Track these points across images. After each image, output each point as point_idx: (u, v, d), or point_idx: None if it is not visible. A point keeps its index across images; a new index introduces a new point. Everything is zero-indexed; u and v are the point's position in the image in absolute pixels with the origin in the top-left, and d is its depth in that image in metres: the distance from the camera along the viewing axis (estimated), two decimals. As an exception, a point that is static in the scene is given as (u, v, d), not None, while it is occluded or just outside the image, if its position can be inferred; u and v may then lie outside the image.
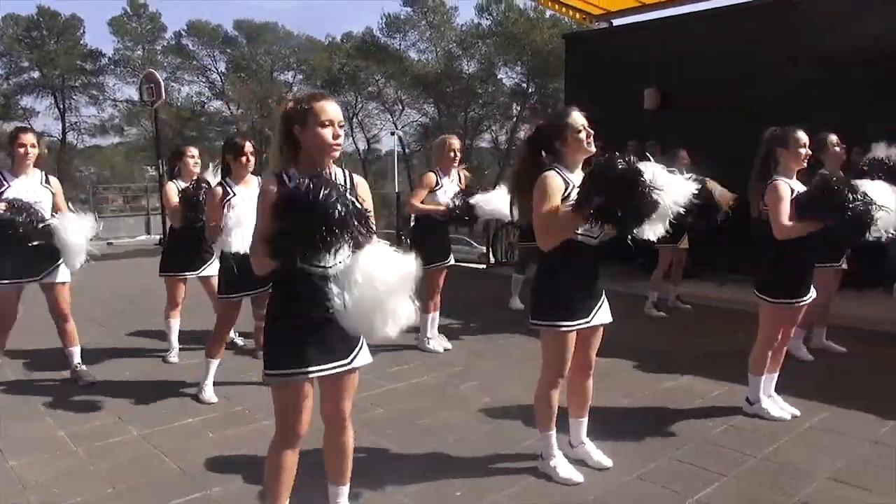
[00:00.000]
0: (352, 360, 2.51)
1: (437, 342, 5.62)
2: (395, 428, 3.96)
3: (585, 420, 3.43)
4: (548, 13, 31.56)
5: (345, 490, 2.72)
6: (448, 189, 5.35)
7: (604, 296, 3.23)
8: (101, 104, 39.56)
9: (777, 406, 4.05)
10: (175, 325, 5.30)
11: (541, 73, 34.00)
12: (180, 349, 5.35)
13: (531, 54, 33.77)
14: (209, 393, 4.38)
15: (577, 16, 11.31)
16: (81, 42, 38.53)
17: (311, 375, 2.42)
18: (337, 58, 38.14)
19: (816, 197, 3.63)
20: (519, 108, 37.05)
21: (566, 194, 2.97)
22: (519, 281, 7.26)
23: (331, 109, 2.38)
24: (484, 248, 11.31)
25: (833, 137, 4.84)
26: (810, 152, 3.85)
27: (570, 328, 3.09)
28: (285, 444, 2.49)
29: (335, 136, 2.38)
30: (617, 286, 7.73)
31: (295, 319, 2.40)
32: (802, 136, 3.79)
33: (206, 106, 40.55)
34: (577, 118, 3.04)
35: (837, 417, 4.05)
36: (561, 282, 3.09)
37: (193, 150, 5.28)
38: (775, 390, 4.16)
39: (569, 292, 3.08)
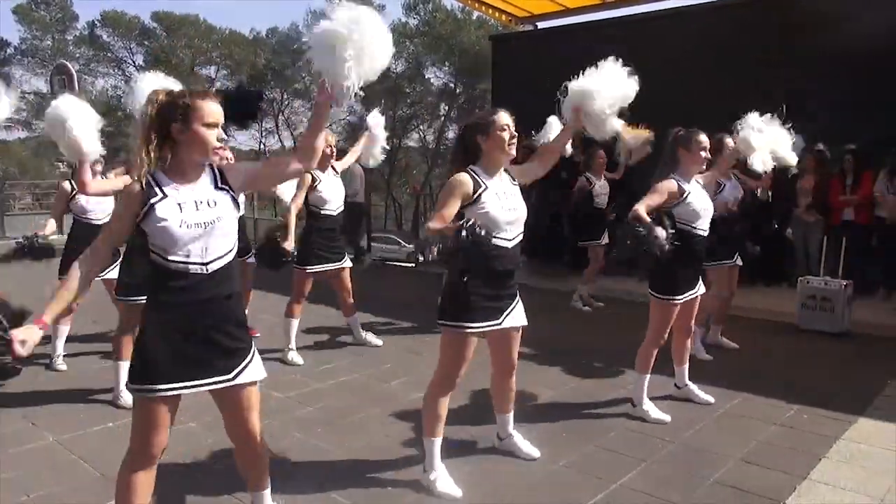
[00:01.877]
0: (235, 376, 2.35)
1: (295, 354, 5.17)
2: (324, 426, 3.94)
3: (511, 414, 3.51)
4: (475, 14, 31.89)
5: (266, 494, 2.67)
6: (326, 184, 5.12)
7: (517, 298, 3.18)
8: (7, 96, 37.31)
9: (656, 408, 4.05)
10: (64, 330, 5.09)
11: (468, 74, 34.23)
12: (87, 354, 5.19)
13: (459, 55, 33.98)
14: (126, 397, 4.23)
15: (503, 17, 11.49)
16: (-16, 30, 36.24)
17: (163, 394, 2.26)
18: (263, 53, 37.32)
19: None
20: (447, 108, 37.22)
21: (476, 195, 2.94)
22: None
23: (214, 110, 2.26)
24: (412, 247, 11.30)
25: (702, 137, 4.89)
26: (709, 156, 4.01)
27: (473, 330, 3.00)
28: (135, 463, 2.35)
29: (219, 139, 2.28)
30: (544, 283, 7.96)
31: (163, 331, 2.27)
32: (703, 138, 3.95)
33: (122, 100, 38.91)
34: (503, 117, 3.06)
35: (748, 403, 4.30)
36: (468, 283, 2.94)
37: None
38: (691, 379, 4.38)
39: (475, 294, 2.97)
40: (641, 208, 3.71)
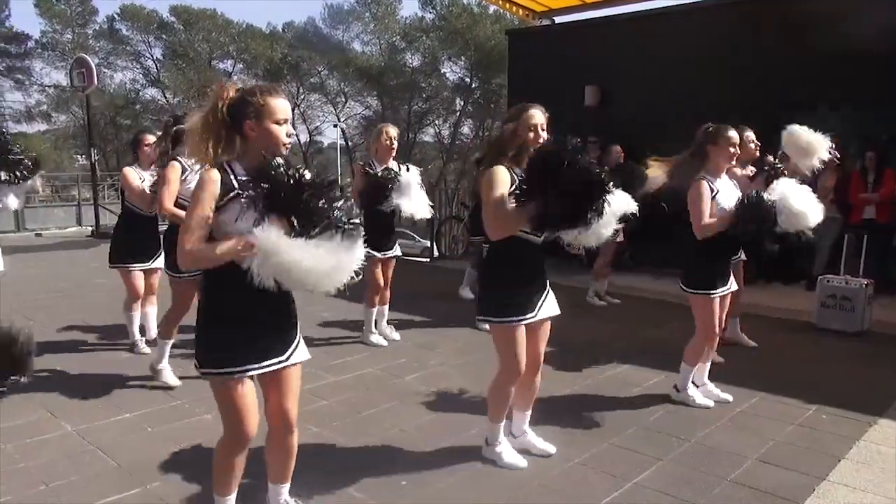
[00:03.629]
0: (289, 357, 2.46)
1: (379, 336, 5.61)
2: (340, 419, 3.95)
3: (529, 412, 3.51)
4: (491, 8, 31.78)
5: (286, 487, 2.70)
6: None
7: (549, 288, 3.29)
8: (28, 89, 37.68)
9: (701, 394, 4.20)
10: (136, 317, 5.21)
11: (484, 69, 34.14)
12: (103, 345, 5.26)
13: (474, 49, 33.88)
14: (168, 374, 4.46)
15: (520, 12, 11.43)
16: (6, 24, 36.62)
17: (248, 374, 2.36)
18: (279, 47, 37.43)
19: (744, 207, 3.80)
20: (462, 103, 37.15)
21: (513, 189, 3.00)
22: (473, 274, 7.35)
23: (285, 108, 2.37)
24: (428, 242, 11.31)
25: (749, 133, 4.94)
26: (738, 152, 3.99)
27: (518, 322, 3.12)
28: (232, 444, 2.44)
29: (288, 135, 2.37)
30: (561, 280, 7.92)
31: (228, 316, 2.35)
32: (734, 134, 3.93)
33: (140, 93, 39.16)
34: (534, 115, 3.09)
35: (765, 403, 4.26)
36: (507, 278, 3.13)
37: (151, 137, 5.09)
38: (709, 378, 4.35)
39: (515, 288, 3.13)
40: (708, 220, 3.84)
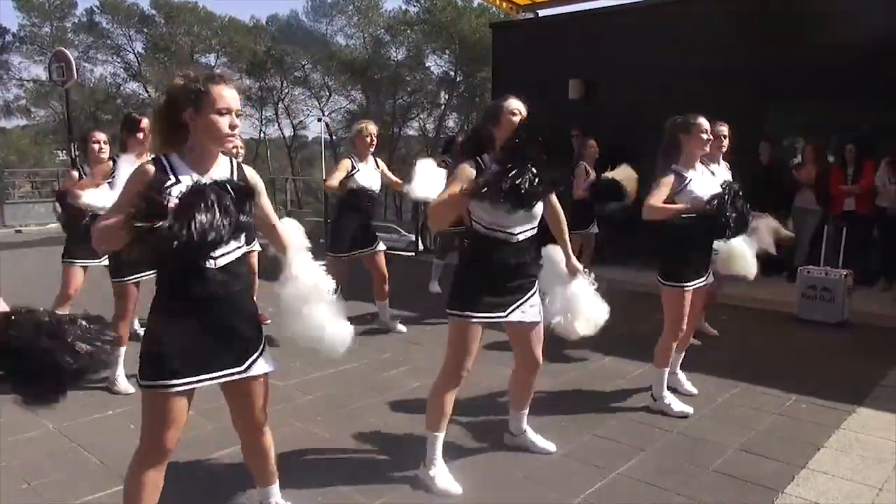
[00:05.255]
0: (247, 368, 2.32)
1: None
2: (324, 415, 3.95)
3: (527, 411, 3.46)
4: (475, 2, 31.74)
5: (275, 489, 2.67)
6: (365, 173, 5.41)
7: (533, 293, 3.14)
8: (6, 84, 37.14)
9: (678, 401, 4.06)
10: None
11: (468, 62, 34.11)
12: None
13: (459, 43, 33.83)
14: (123, 384, 4.28)
15: (504, 5, 11.41)
16: (-18, 17, 36.03)
17: (178, 389, 2.20)
18: (262, 41, 37.15)
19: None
20: (447, 97, 37.10)
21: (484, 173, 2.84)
22: (439, 266, 7.38)
23: (229, 96, 2.17)
24: (413, 237, 11.30)
25: (702, 122, 4.79)
26: (712, 137, 3.95)
27: (477, 320, 2.98)
28: (148, 461, 2.28)
29: (232, 127, 2.19)
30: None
31: (174, 326, 2.20)
32: (703, 121, 3.87)
33: (121, 87, 38.72)
34: (514, 102, 2.98)
35: (747, 393, 4.31)
36: (472, 274, 3.01)
37: (99, 135, 5.01)
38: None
39: (478, 285, 2.98)
40: (655, 202, 3.75)
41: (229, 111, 2.18)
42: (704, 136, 3.85)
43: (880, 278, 7.34)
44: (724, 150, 4.59)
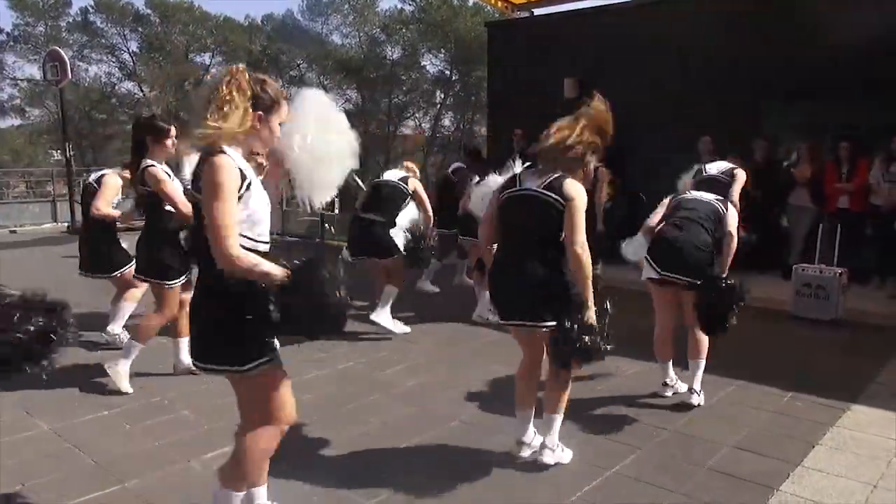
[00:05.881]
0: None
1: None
2: (321, 413, 3.94)
3: (532, 411, 3.40)
4: (470, 1, 31.70)
5: (261, 491, 2.60)
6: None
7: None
8: (0, 83, 37.01)
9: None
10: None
11: (464, 61, 34.08)
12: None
13: (454, 42, 33.79)
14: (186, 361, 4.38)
15: (500, 4, 11.41)
16: (-25, 17, 35.85)
17: (278, 361, 2.37)
18: (258, 40, 37.06)
19: None
20: (442, 96, 37.06)
21: None
22: (437, 266, 7.37)
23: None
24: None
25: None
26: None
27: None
28: (274, 433, 2.43)
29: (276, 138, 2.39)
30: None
31: (255, 309, 2.20)
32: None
33: (116, 87, 38.58)
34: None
35: (742, 391, 4.33)
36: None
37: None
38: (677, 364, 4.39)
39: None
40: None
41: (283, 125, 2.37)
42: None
43: (874, 276, 7.36)
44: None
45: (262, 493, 2.59)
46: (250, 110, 2.23)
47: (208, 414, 3.80)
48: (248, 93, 2.23)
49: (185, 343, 4.36)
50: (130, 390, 4.20)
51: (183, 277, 4.32)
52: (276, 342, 2.35)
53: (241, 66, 2.31)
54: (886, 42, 7.22)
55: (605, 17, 10.05)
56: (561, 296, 3.00)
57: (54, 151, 34.46)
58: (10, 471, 3.20)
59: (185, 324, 4.29)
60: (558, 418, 3.24)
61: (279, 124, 2.34)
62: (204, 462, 3.28)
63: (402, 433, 3.65)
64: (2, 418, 3.83)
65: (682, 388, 4.24)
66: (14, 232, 13.18)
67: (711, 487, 3.09)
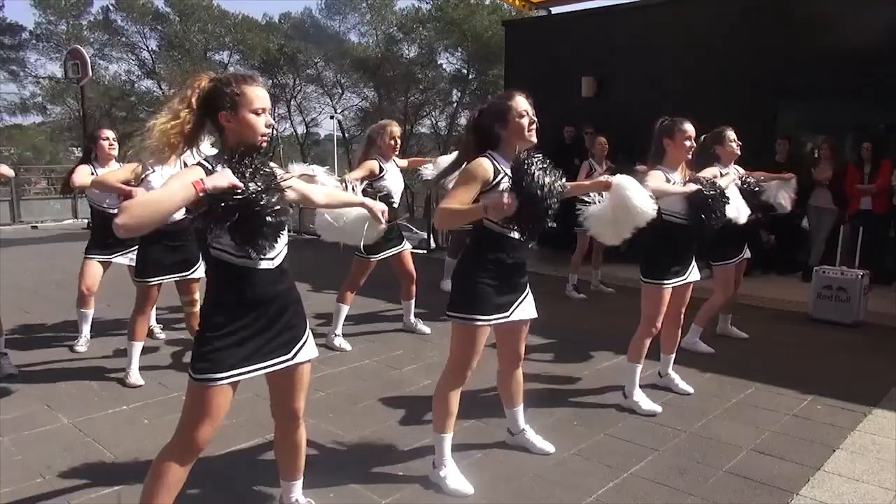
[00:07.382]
0: (294, 355, 2.38)
1: (343, 340, 5.32)
2: (336, 411, 3.96)
3: (521, 408, 3.43)
4: (487, -1, 31.66)
5: (298, 484, 2.69)
6: (392, 176, 5.18)
7: (528, 290, 3.11)
8: (22, 81, 37.45)
9: (648, 399, 4.01)
10: (88, 314, 5.14)
11: (481, 60, 34.01)
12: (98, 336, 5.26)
13: (471, 40, 33.74)
14: (135, 377, 4.35)
15: (517, 2, 11.37)
16: (-1, 15, 36.31)
17: (227, 381, 2.22)
18: (275, 38, 37.25)
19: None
20: (459, 94, 37.03)
21: (495, 181, 2.79)
22: (452, 264, 7.36)
23: (263, 96, 2.24)
24: (425, 234, 11.29)
25: (731, 133, 4.64)
26: (694, 145, 3.90)
27: (482, 323, 2.93)
28: (180, 456, 2.26)
29: (268, 125, 2.25)
30: (552, 270, 7.94)
31: (227, 322, 2.22)
32: (689, 127, 3.83)
33: (136, 85, 38.95)
34: (521, 102, 2.87)
35: (761, 393, 4.28)
36: (479, 275, 2.92)
37: (108, 132, 4.98)
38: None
39: (486, 286, 2.91)
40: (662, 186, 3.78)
41: (264, 111, 2.24)
42: (688, 143, 3.86)
43: (896, 278, 7.26)
44: (737, 154, 4.65)
45: (297, 487, 2.70)
46: (189, 132, 2.19)
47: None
48: (199, 107, 2.20)
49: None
50: (142, 382, 4.31)
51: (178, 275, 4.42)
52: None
53: (196, 77, 2.26)
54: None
55: (623, 16, 9.99)
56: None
57: (75, 148, 34.85)
58: (30, 463, 3.24)
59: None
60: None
61: (254, 111, 2.20)
62: (222, 457, 3.30)
63: (416, 432, 3.65)
64: (23, 411, 3.89)
65: (676, 378, 4.30)
66: (35, 227, 13.36)
67: (729, 491, 3.05)
